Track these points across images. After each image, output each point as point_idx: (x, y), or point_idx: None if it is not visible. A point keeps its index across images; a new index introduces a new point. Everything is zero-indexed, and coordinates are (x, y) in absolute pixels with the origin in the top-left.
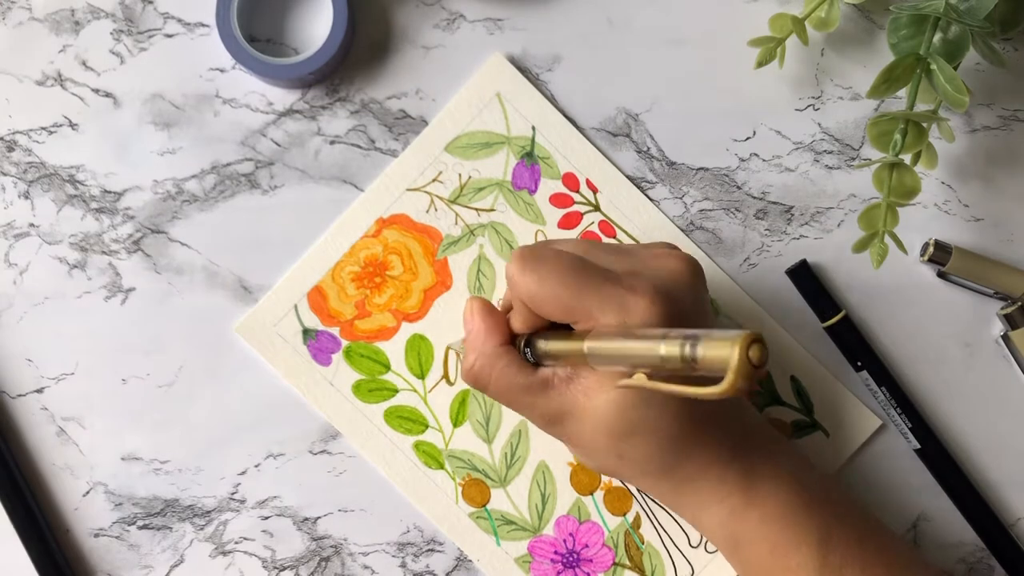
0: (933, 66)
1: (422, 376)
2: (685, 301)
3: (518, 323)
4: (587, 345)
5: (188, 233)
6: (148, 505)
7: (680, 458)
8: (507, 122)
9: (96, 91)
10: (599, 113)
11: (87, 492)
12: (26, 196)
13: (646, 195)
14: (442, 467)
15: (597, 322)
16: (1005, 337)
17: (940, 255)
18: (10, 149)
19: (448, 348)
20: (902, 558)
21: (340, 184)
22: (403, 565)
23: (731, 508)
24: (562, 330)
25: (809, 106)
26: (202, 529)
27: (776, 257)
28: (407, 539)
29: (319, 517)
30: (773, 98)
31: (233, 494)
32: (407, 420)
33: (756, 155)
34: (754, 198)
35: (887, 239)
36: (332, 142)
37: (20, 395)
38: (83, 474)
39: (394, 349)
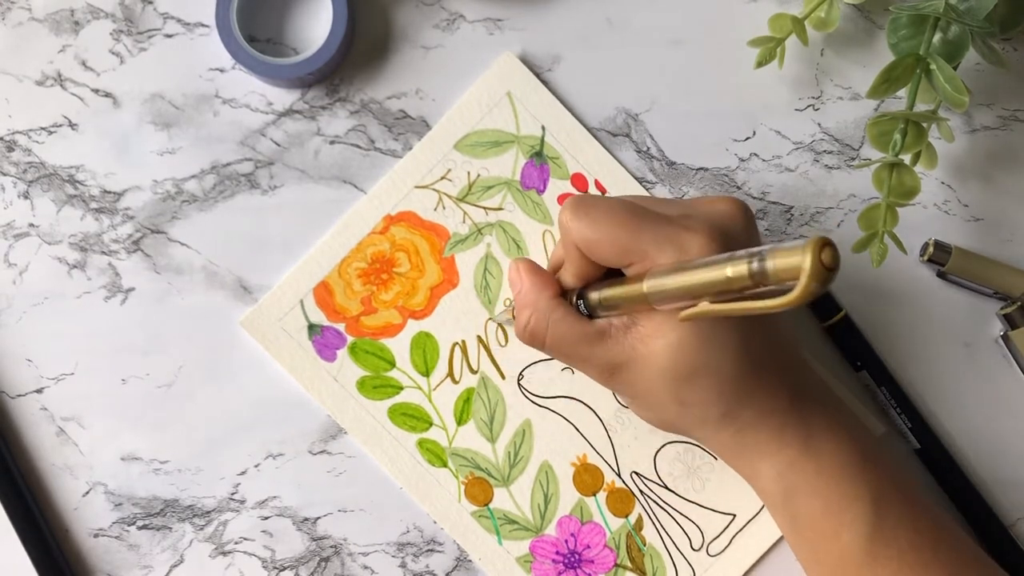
0: (933, 66)
1: (427, 374)
2: (739, 240)
3: (569, 276)
4: (647, 284)
5: (188, 233)
6: (148, 505)
7: (740, 403)
8: (517, 121)
9: (96, 91)
10: (599, 113)
11: (87, 492)
12: (26, 196)
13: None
14: (445, 465)
15: (653, 262)
16: (1005, 337)
17: (940, 255)
18: (10, 149)
19: (488, 320)
20: (948, 527)
21: (340, 184)
22: (403, 565)
23: (789, 459)
24: (613, 280)
25: (809, 106)
26: (202, 529)
27: None
28: (407, 539)
29: (319, 517)
30: (773, 98)
31: (233, 494)
32: (411, 417)
33: (756, 155)
34: (754, 198)
35: (887, 239)
36: (332, 142)
37: (20, 395)
38: (83, 474)
39: (399, 346)
